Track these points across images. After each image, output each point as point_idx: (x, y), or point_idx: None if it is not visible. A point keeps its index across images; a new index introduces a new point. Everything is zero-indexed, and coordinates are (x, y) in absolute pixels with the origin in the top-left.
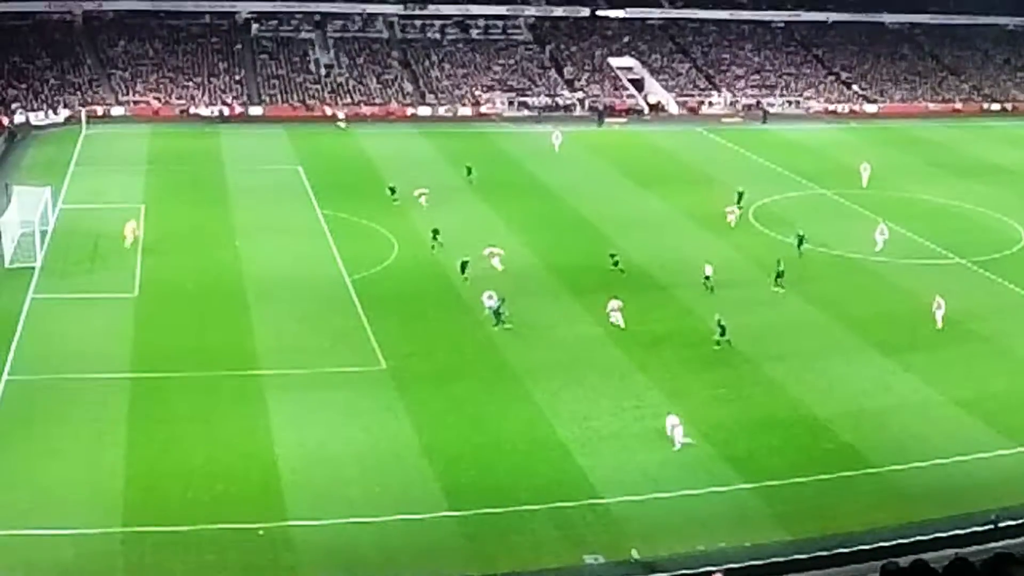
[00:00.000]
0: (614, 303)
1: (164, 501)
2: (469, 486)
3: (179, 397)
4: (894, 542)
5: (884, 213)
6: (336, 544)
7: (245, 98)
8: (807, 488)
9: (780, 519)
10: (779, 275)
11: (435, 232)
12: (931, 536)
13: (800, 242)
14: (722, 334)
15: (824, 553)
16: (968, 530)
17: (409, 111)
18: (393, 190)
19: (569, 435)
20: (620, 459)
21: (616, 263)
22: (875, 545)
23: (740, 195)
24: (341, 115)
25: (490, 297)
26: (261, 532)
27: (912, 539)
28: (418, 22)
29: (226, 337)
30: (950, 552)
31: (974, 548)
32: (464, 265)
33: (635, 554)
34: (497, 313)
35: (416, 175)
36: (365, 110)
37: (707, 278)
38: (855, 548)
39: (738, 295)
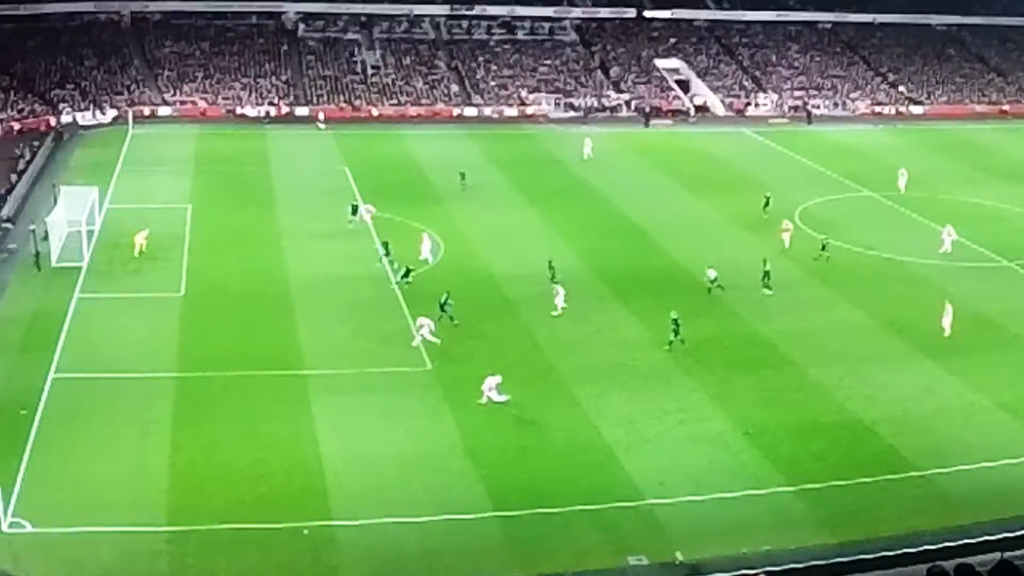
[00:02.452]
0: (559, 289)
1: (208, 501)
2: (513, 488)
3: (224, 397)
4: (938, 546)
5: (931, 215)
6: (379, 544)
7: (292, 99)
8: (851, 491)
9: (824, 522)
10: (766, 276)
11: (385, 245)
12: (975, 540)
13: (823, 247)
14: (675, 333)
15: (867, 556)
16: (1013, 533)
17: (455, 112)
18: (355, 209)
19: (613, 438)
20: (664, 462)
21: (552, 272)
22: (919, 549)
23: (767, 200)
24: (321, 115)
25: (422, 326)
26: (306, 532)
27: (956, 543)
28: (464, 23)
29: (271, 338)
30: (995, 556)
31: (1019, 552)
32: (407, 272)
33: (679, 556)
34: (443, 309)
35: (460, 176)
36: (411, 111)
37: (712, 281)
38: (898, 552)
39: (783, 298)
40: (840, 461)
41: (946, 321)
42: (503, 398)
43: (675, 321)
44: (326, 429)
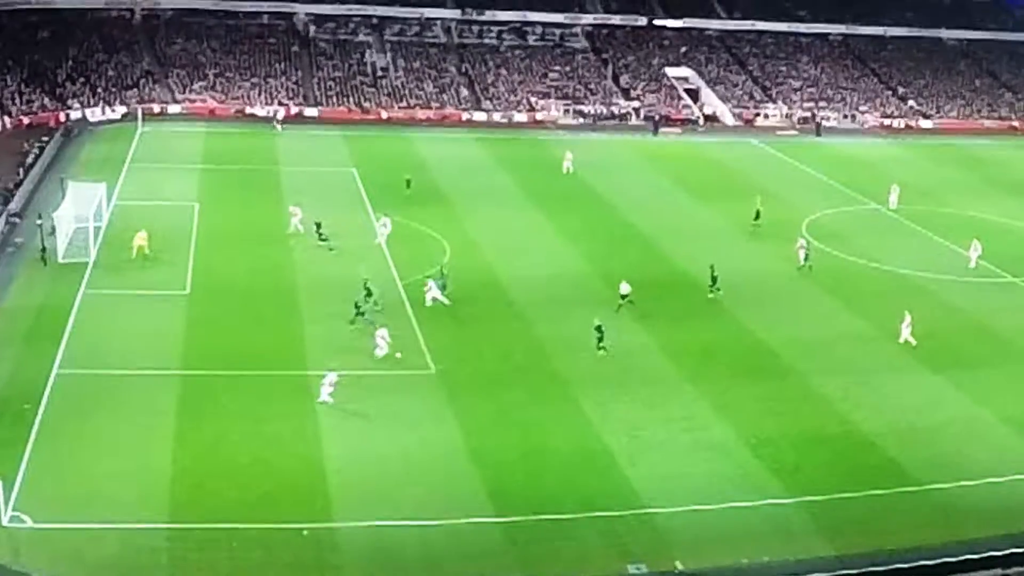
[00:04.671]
0: (432, 285)
1: (210, 498)
2: (515, 492)
3: (228, 395)
4: (940, 560)
5: (937, 229)
6: (381, 546)
7: (301, 99)
8: (853, 504)
9: (825, 534)
10: (713, 280)
11: (318, 226)
12: (977, 555)
13: (806, 257)
14: (600, 340)
15: (869, 570)
16: (1015, 550)
17: (465, 116)
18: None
19: (616, 444)
20: (667, 469)
21: (442, 273)
22: (920, 563)
23: (758, 212)
24: (280, 116)
25: (383, 338)
26: (305, 532)
27: (958, 557)
28: (475, 28)
29: (277, 337)
30: (996, 572)
31: (1020, 568)
32: (367, 286)
33: (679, 565)
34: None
35: (467, 181)
36: (420, 114)
37: (624, 296)
38: (899, 565)
39: (788, 307)
40: (843, 472)
41: (906, 331)
42: (327, 396)
43: (598, 328)
44: (330, 429)
